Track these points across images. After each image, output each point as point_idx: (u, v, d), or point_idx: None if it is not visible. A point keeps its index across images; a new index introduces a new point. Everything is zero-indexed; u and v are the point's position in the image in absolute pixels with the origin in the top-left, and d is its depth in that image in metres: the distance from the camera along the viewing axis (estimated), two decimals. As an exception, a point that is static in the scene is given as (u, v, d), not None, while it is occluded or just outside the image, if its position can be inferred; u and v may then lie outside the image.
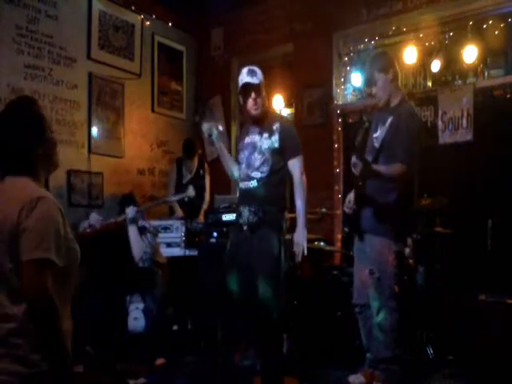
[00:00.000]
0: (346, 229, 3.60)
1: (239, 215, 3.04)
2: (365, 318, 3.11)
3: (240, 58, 5.85)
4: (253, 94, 3.01)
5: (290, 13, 5.37)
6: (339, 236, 4.94)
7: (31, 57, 4.38)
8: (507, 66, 4.26)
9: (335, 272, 4.01)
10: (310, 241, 4.31)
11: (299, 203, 2.95)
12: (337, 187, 5.00)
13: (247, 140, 3.10)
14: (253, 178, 2.99)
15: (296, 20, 5.31)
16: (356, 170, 2.91)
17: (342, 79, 5.12)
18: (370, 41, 4.86)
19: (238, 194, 3.26)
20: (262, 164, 2.97)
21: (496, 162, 4.10)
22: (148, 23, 5.54)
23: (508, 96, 4.16)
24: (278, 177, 2.98)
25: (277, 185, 2.98)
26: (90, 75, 4.91)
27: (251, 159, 3.02)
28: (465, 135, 4.26)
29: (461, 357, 3.46)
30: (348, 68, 5.08)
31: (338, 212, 4.90)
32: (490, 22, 4.26)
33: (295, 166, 2.98)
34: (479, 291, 3.65)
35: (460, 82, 4.43)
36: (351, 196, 3.13)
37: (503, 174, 4.06)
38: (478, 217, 4.04)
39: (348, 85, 5.12)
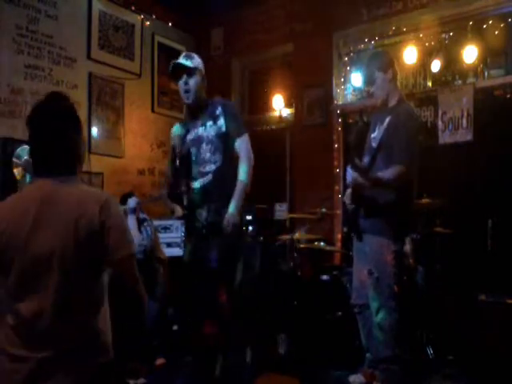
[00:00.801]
0: (346, 228, 3.60)
1: (194, 219, 2.80)
2: (364, 318, 3.11)
3: (240, 58, 5.86)
4: (184, 77, 2.78)
5: (290, 13, 5.38)
6: (339, 236, 4.95)
7: (31, 57, 4.38)
8: (507, 66, 4.26)
9: (335, 272, 4.01)
10: (310, 241, 4.34)
11: (242, 175, 2.72)
12: (337, 187, 5.00)
13: (189, 137, 2.85)
14: (207, 173, 2.78)
15: (296, 20, 5.31)
16: (349, 179, 2.92)
17: (342, 79, 5.12)
18: (370, 41, 4.86)
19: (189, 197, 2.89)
20: (213, 154, 2.78)
21: (496, 162, 4.10)
22: (148, 23, 5.54)
23: (508, 96, 4.17)
24: (234, 165, 2.76)
25: (232, 174, 2.74)
26: (90, 75, 4.91)
27: (200, 154, 2.80)
28: (465, 135, 4.26)
29: (461, 357, 3.46)
30: (348, 68, 5.09)
31: (338, 212, 4.90)
32: (490, 22, 4.27)
33: (242, 145, 2.77)
34: (479, 291, 3.65)
35: (460, 82, 4.43)
36: (349, 191, 3.13)
37: (503, 174, 4.06)
38: (477, 217, 4.04)
39: (348, 85, 5.12)
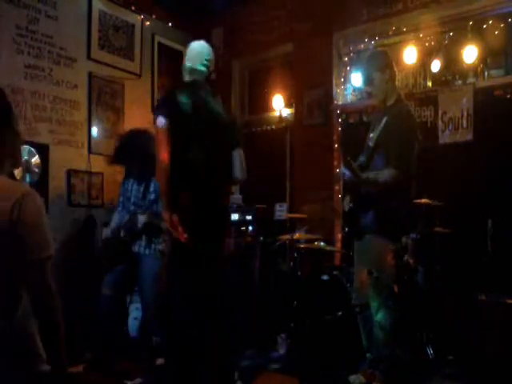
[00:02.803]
0: (346, 227, 3.60)
1: None
2: (365, 318, 3.11)
3: (240, 58, 5.86)
4: None
5: (290, 13, 5.38)
6: (339, 236, 4.94)
7: (31, 57, 4.38)
8: (507, 66, 4.25)
9: (335, 272, 4.01)
10: (310, 241, 4.34)
11: None
12: (337, 187, 4.99)
13: None
14: None
15: (296, 20, 5.31)
16: (346, 178, 2.96)
17: (342, 79, 5.12)
18: (370, 41, 4.86)
19: None
20: None
21: (496, 162, 4.10)
22: (148, 23, 5.54)
23: (508, 96, 4.16)
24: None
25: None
26: (90, 75, 4.91)
27: None
28: (465, 135, 4.26)
29: (461, 357, 3.46)
30: (348, 68, 5.08)
31: (338, 212, 4.90)
32: (490, 22, 4.26)
33: None
34: (479, 291, 3.65)
35: (460, 82, 4.43)
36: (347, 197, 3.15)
37: (503, 174, 4.06)
38: (477, 217, 4.03)
39: (348, 85, 5.12)
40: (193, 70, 2.88)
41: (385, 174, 2.87)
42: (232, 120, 3.01)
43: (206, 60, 2.91)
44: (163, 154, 2.58)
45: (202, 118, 2.72)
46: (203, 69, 2.89)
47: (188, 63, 2.91)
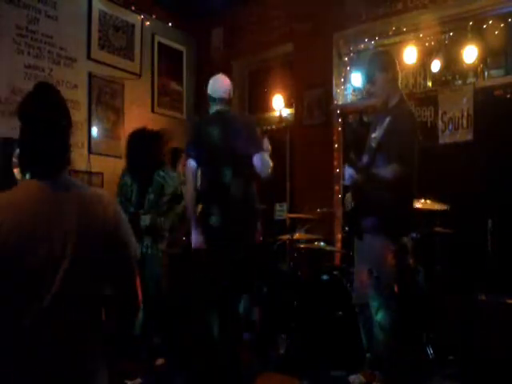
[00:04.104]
0: (347, 227, 3.60)
1: None
2: (365, 317, 3.11)
3: (240, 58, 5.86)
4: None
5: (290, 13, 5.38)
6: (339, 236, 4.94)
7: (31, 57, 4.39)
8: (507, 65, 4.26)
9: (335, 272, 4.01)
10: (310, 241, 4.34)
11: None
12: (337, 187, 4.99)
13: None
14: None
15: (296, 20, 5.31)
16: (347, 179, 2.97)
17: (342, 79, 5.12)
18: (370, 41, 4.86)
19: None
20: None
21: (496, 162, 4.10)
22: (148, 23, 5.55)
23: (508, 96, 4.16)
24: None
25: None
26: (90, 75, 4.92)
27: None
28: (465, 135, 4.26)
29: (461, 357, 3.46)
30: (348, 68, 5.09)
31: (338, 212, 4.90)
32: (490, 22, 4.27)
33: None
34: (479, 291, 3.65)
35: (460, 82, 4.43)
36: (348, 195, 3.14)
37: (503, 174, 4.06)
38: (478, 217, 4.03)
39: (348, 85, 5.12)
40: (215, 99, 3.27)
41: (388, 170, 2.87)
42: (251, 127, 3.28)
43: (226, 89, 3.32)
44: (191, 187, 3.16)
45: (228, 147, 3.09)
46: (225, 96, 3.29)
47: (210, 92, 3.32)
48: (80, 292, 1.36)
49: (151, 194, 3.63)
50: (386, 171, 2.87)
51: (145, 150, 3.59)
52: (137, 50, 5.40)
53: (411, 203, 3.05)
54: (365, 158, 3.03)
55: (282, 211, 5.35)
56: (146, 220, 3.54)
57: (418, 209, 3.44)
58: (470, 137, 4.23)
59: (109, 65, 5.10)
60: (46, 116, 1.41)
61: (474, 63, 4.27)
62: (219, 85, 3.34)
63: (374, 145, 3.01)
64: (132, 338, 1.51)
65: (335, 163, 5.02)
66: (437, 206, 3.72)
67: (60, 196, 1.38)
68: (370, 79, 3.19)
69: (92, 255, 1.38)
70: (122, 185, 3.76)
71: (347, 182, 3.02)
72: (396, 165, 2.85)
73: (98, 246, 1.39)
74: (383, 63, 3.10)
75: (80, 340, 1.37)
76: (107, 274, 1.43)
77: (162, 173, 3.66)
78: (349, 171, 2.95)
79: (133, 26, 5.37)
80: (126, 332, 1.53)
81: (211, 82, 3.37)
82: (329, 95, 5.09)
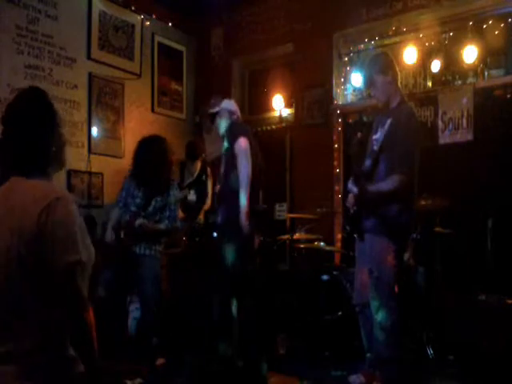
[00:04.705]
0: (348, 227, 3.59)
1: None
2: (365, 317, 3.11)
3: (240, 58, 5.86)
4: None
5: (289, 13, 5.38)
6: (339, 236, 4.94)
7: (31, 57, 4.39)
8: (507, 65, 4.26)
9: (335, 272, 4.01)
10: (309, 241, 4.34)
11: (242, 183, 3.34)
12: (337, 187, 4.99)
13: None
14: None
15: (296, 20, 5.32)
16: (350, 197, 2.99)
17: (342, 79, 5.12)
18: (370, 41, 4.86)
19: None
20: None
21: (496, 162, 4.09)
22: (148, 23, 5.55)
23: (508, 96, 4.17)
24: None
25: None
26: (90, 75, 4.92)
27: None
28: (465, 135, 4.26)
29: (461, 357, 3.46)
30: (348, 68, 5.08)
31: (338, 212, 4.89)
32: (490, 22, 4.27)
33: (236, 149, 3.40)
34: (479, 291, 3.65)
35: (460, 82, 4.43)
36: (351, 195, 3.14)
37: (503, 174, 4.06)
38: (478, 217, 4.03)
39: (348, 85, 5.12)
40: (230, 111, 3.62)
41: (389, 183, 2.87)
42: None
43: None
44: (249, 169, 3.32)
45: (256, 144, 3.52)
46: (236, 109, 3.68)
47: (226, 105, 3.65)
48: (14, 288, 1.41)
49: (159, 202, 3.63)
50: (388, 184, 2.87)
51: (155, 157, 3.61)
52: (137, 50, 5.40)
53: (413, 206, 3.04)
54: (367, 162, 3.02)
55: (282, 211, 5.36)
56: (139, 221, 3.54)
57: (418, 209, 3.43)
58: (470, 137, 4.23)
59: (109, 65, 5.10)
60: (9, 119, 1.52)
61: (474, 63, 4.27)
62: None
63: (376, 148, 3.00)
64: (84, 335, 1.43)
65: (335, 163, 5.02)
66: (437, 206, 3.72)
67: (11, 196, 1.48)
68: (370, 82, 3.19)
69: (22, 257, 1.40)
70: (129, 184, 3.74)
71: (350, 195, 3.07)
72: (398, 175, 2.84)
73: (25, 247, 1.40)
74: (383, 65, 3.10)
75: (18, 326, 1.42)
76: (39, 275, 1.42)
77: (176, 192, 3.78)
78: (354, 189, 2.99)
79: (133, 26, 5.37)
80: (75, 327, 1.47)
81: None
82: (329, 95, 5.09)
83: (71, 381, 1.45)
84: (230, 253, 3.31)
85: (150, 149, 3.65)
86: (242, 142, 3.37)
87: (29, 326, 1.42)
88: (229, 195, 3.38)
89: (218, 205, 3.57)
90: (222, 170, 3.51)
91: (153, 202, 3.62)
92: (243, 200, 3.25)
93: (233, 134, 3.50)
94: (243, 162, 3.31)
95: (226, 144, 3.53)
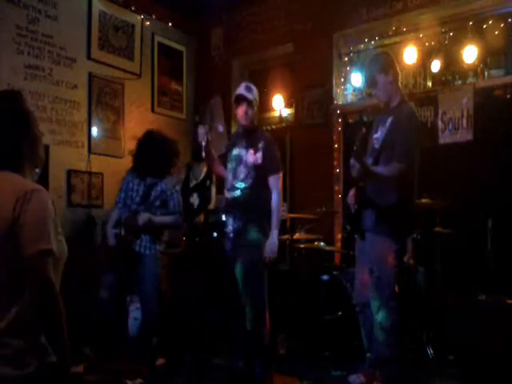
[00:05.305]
0: (348, 227, 3.59)
1: (225, 225, 3.34)
2: (365, 317, 3.11)
3: (240, 57, 5.86)
4: (244, 106, 3.29)
5: (289, 13, 5.38)
6: (339, 236, 4.94)
7: (31, 57, 4.38)
8: (507, 65, 4.26)
9: (335, 272, 4.01)
10: (309, 241, 4.34)
11: (274, 220, 3.23)
12: (337, 187, 4.99)
13: (234, 152, 3.36)
14: (237, 188, 3.27)
15: (296, 20, 5.32)
16: (354, 172, 2.92)
17: (342, 79, 5.12)
18: (370, 41, 4.86)
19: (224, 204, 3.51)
20: (246, 177, 3.26)
21: (496, 162, 4.09)
22: (148, 23, 5.54)
23: (508, 96, 4.16)
24: (259, 186, 3.24)
25: (259, 193, 3.24)
26: (90, 75, 4.91)
27: (237, 171, 3.30)
28: (465, 135, 4.26)
29: (461, 357, 3.46)
30: (348, 68, 5.08)
31: (338, 212, 4.89)
32: (490, 22, 4.27)
33: (274, 182, 3.27)
34: (479, 291, 3.65)
35: (460, 82, 4.43)
36: (352, 192, 3.14)
37: (503, 174, 4.06)
38: (477, 217, 4.04)
39: (348, 85, 5.12)
40: None
41: (389, 169, 2.87)
42: None
43: None
44: None
45: None
46: None
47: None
48: None
49: (158, 191, 3.67)
50: (389, 169, 2.87)
51: (156, 153, 3.64)
52: (137, 50, 5.40)
53: (413, 204, 3.05)
54: (368, 160, 3.03)
55: (281, 211, 5.34)
56: (143, 217, 3.55)
57: (418, 209, 3.44)
58: (470, 137, 4.24)
59: (109, 65, 5.10)
60: None
61: (474, 63, 4.27)
62: None
63: (377, 146, 3.01)
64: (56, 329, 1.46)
65: (335, 163, 5.02)
66: (437, 206, 3.72)
67: None
68: (371, 81, 3.19)
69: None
70: (126, 182, 3.76)
71: (352, 171, 2.98)
72: (398, 163, 2.85)
73: (1, 234, 1.45)
74: (384, 65, 3.10)
75: None
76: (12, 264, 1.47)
77: (174, 192, 3.73)
78: (355, 165, 2.91)
79: (133, 26, 5.37)
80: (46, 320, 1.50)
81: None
82: (329, 95, 5.09)
83: (39, 368, 1.46)
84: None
85: (153, 137, 3.76)
86: (280, 181, 3.37)
87: (6, 309, 1.46)
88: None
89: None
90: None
91: (152, 192, 3.65)
92: None
93: (274, 159, 3.40)
94: None
95: (253, 155, 3.35)
